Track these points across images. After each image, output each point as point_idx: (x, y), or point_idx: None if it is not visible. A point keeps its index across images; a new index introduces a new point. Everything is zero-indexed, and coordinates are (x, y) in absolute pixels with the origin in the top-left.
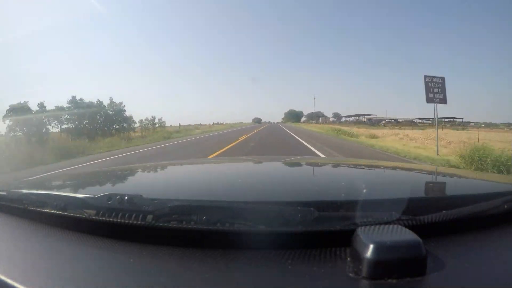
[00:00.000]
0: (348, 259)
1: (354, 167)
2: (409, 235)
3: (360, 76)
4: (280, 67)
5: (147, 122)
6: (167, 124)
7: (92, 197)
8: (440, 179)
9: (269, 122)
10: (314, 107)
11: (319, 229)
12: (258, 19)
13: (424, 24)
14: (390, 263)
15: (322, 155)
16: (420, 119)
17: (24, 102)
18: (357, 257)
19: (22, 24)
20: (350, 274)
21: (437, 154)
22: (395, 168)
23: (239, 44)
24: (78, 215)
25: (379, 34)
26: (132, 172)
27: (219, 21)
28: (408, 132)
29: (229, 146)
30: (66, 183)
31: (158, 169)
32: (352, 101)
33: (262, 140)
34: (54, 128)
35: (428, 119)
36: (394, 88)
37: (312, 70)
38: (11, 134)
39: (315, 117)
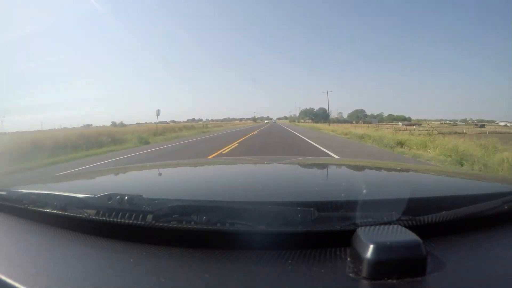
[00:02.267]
0: (348, 259)
1: (354, 167)
2: (409, 236)
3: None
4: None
5: None
6: None
7: (92, 197)
8: (440, 179)
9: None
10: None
11: (319, 229)
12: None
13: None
14: (390, 264)
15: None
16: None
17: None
18: (357, 257)
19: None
20: (350, 274)
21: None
22: (395, 168)
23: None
24: (78, 215)
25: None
26: (132, 172)
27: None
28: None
29: None
30: (66, 183)
31: (158, 169)
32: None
33: None
34: None
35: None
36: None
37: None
38: None
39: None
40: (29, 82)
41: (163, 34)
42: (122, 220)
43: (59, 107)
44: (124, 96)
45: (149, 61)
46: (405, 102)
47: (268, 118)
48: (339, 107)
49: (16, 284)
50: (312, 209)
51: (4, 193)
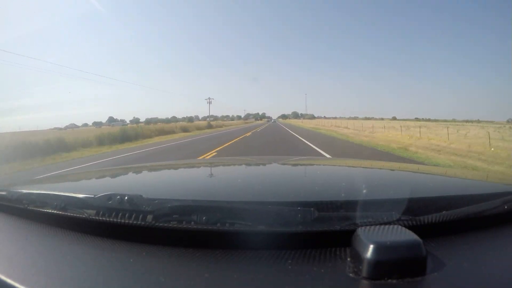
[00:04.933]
0: (348, 259)
1: (354, 167)
2: (409, 235)
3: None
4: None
5: None
6: None
7: (92, 197)
8: (440, 179)
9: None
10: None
11: (319, 229)
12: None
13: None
14: (390, 263)
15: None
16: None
17: None
18: (357, 257)
19: None
20: (350, 274)
21: None
22: (395, 168)
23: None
24: (78, 215)
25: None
26: (132, 172)
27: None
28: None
29: None
30: (66, 183)
31: (158, 169)
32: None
33: None
34: None
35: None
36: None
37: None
38: None
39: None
40: (28, 81)
41: (159, 34)
42: (122, 220)
43: None
44: (116, 95)
45: (143, 61)
46: (396, 101)
47: (264, 116)
48: (341, 105)
49: (16, 284)
50: (312, 209)
51: (4, 193)
